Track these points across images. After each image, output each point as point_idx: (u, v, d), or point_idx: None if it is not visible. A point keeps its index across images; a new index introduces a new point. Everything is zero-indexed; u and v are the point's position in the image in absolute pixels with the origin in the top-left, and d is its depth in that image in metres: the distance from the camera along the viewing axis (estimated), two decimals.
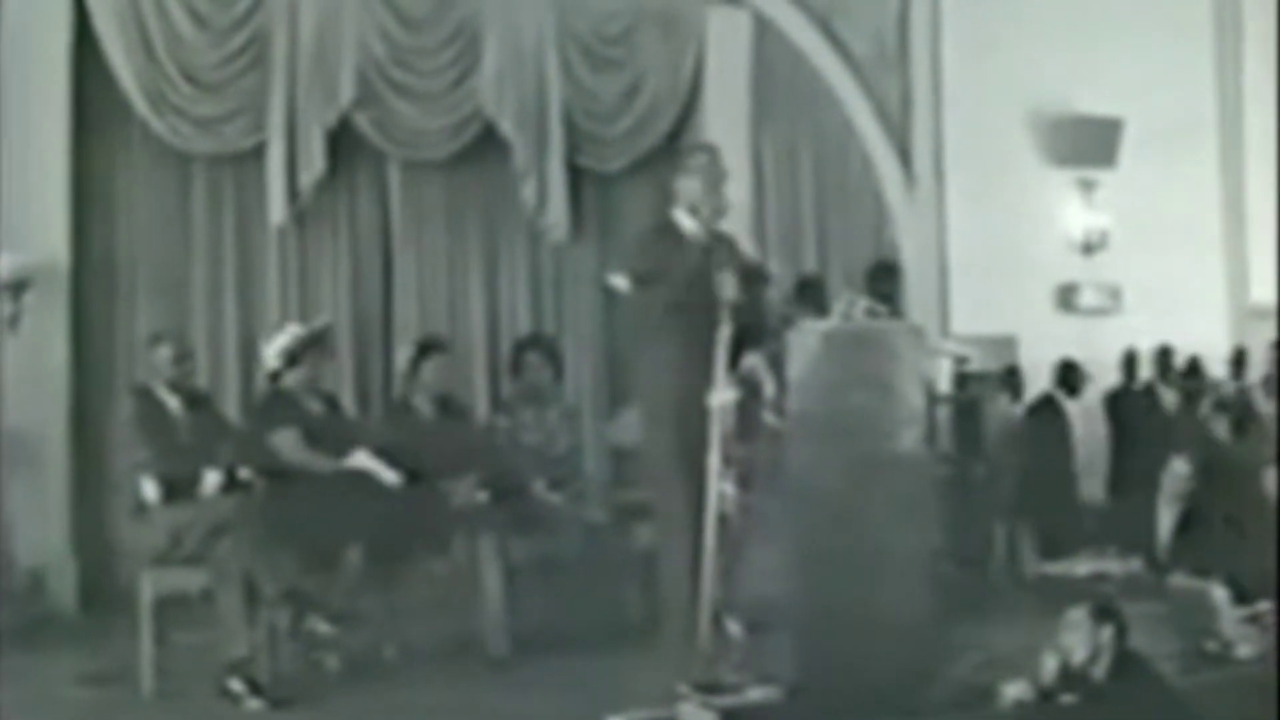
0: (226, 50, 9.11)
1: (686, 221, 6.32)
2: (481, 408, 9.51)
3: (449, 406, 7.88)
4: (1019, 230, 11.49)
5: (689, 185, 6.34)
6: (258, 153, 9.24)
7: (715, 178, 6.36)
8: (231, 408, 8.73)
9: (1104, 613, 5.38)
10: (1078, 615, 5.38)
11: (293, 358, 7.15)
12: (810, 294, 8.46)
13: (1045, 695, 5.46)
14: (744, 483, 5.99)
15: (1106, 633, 5.33)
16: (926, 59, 11.32)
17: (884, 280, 8.84)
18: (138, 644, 6.47)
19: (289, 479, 6.85)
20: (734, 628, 6.27)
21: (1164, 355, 11.56)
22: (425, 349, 7.84)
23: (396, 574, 7.07)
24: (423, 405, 7.72)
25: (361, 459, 7.06)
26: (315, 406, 7.34)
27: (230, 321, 9.31)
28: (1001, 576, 9.11)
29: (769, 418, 6.11)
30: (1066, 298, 11.89)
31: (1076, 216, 11.97)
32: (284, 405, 7.23)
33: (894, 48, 11.26)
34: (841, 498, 5.80)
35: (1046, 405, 10.80)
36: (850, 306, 6.10)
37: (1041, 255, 11.73)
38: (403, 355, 8.20)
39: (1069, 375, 10.93)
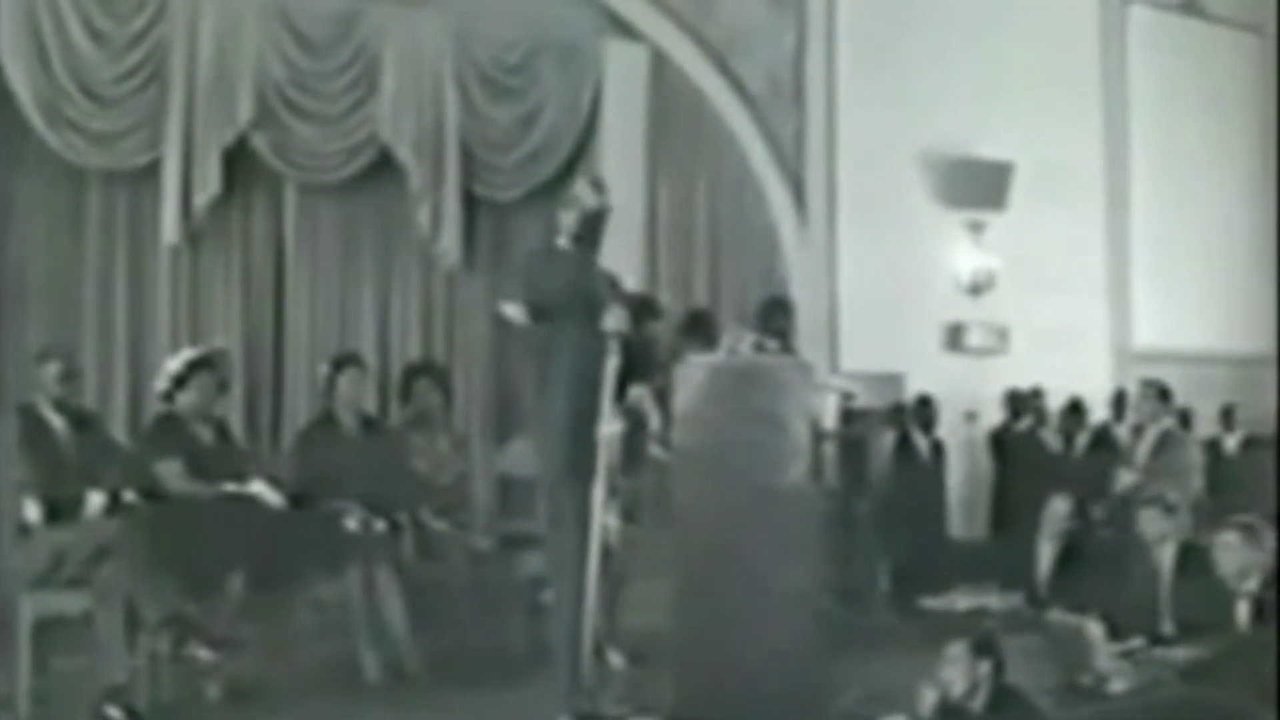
0: (124, 66, 9.05)
1: (570, 250, 6.30)
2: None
3: (370, 423, 7.90)
4: (909, 269, 11.64)
5: (570, 219, 6.26)
6: (153, 170, 9.18)
7: (599, 208, 6.30)
8: (119, 428, 8.66)
9: (982, 647, 5.48)
10: (957, 650, 5.48)
11: (180, 381, 7.09)
12: (699, 328, 8.51)
13: None
14: (628, 515, 6.05)
15: (985, 666, 5.43)
16: (822, 99, 11.45)
17: (777, 316, 8.91)
18: (15, 669, 6.35)
19: (174, 501, 6.79)
20: (616, 659, 6.34)
21: (1035, 396, 11.71)
22: (340, 363, 7.85)
23: (282, 599, 7.02)
24: (345, 419, 7.73)
25: (257, 488, 7.02)
26: (204, 434, 7.29)
27: (120, 340, 9.23)
28: (883, 611, 9.21)
29: (654, 450, 6.18)
30: (954, 337, 12.05)
31: (965, 257, 12.14)
32: (171, 432, 7.16)
33: (789, 87, 11.38)
34: (726, 531, 5.85)
35: (904, 442, 10.94)
36: (737, 341, 6.17)
37: (930, 295, 11.89)
38: (321, 370, 8.15)
39: (921, 410, 11.09)
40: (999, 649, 5.55)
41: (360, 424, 7.79)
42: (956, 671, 5.48)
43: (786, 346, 7.98)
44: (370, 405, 9.74)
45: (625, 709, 5.84)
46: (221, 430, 7.54)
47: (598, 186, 6.44)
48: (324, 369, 8.03)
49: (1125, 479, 9.42)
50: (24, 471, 6.54)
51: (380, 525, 7.19)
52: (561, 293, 6.10)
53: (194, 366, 7.17)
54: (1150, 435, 9.79)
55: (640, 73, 10.95)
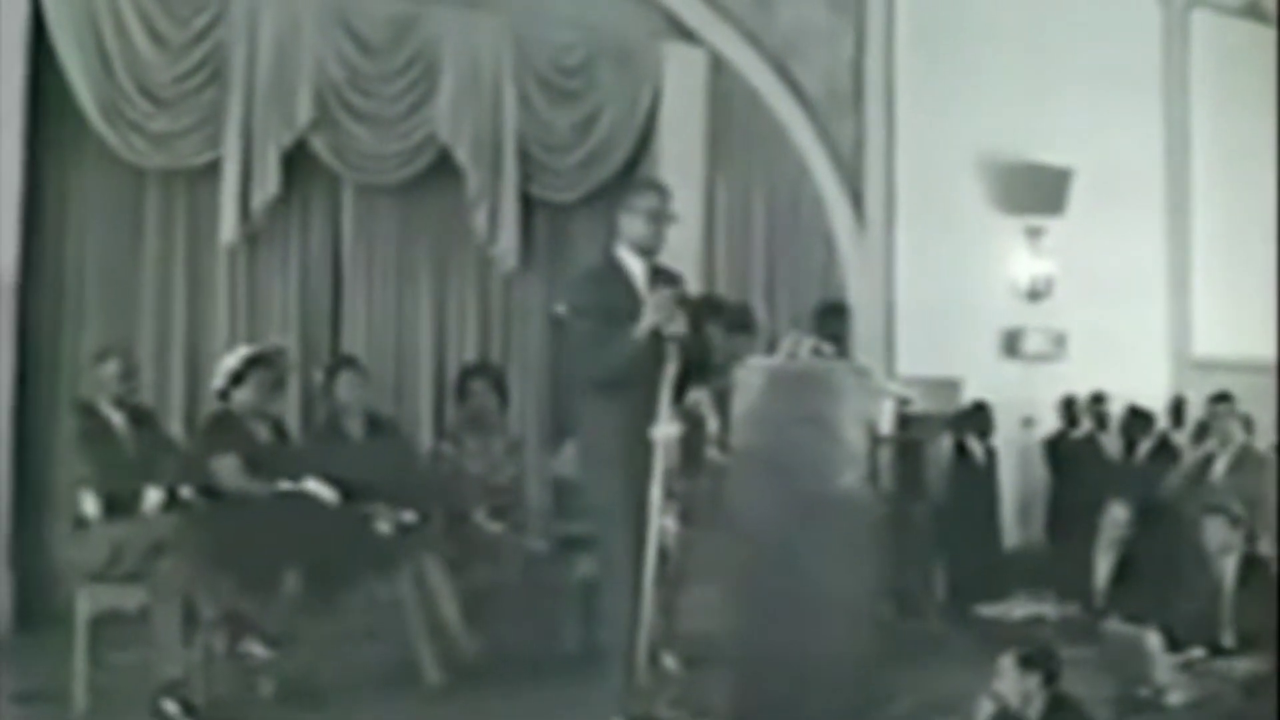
0: (183, 66, 9.06)
1: (630, 261, 6.21)
2: (426, 433, 9.53)
3: (378, 425, 7.91)
4: (966, 275, 11.60)
5: (632, 223, 6.18)
6: (212, 170, 9.20)
7: (661, 218, 6.21)
8: (177, 426, 8.70)
9: (1029, 661, 5.43)
10: (1007, 663, 5.45)
11: (237, 378, 7.15)
12: (738, 322, 8.45)
13: None
14: (685, 518, 6.01)
15: (1033, 680, 5.40)
16: (880, 103, 11.42)
17: (833, 320, 8.92)
18: (72, 662, 6.42)
19: (230, 499, 6.84)
20: (671, 662, 6.31)
21: (1097, 401, 11.67)
22: (335, 367, 7.89)
23: (337, 597, 7.04)
24: (351, 424, 7.74)
25: (311, 485, 7.05)
26: (261, 432, 7.34)
27: (178, 339, 9.25)
28: (938, 618, 9.16)
29: (712, 453, 6.15)
30: (1011, 343, 12.00)
31: (1023, 263, 12.09)
32: (227, 429, 7.22)
33: (848, 91, 11.35)
34: (782, 535, 5.83)
35: (960, 448, 10.88)
36: (796, 345, 6.14)
37: (988, 300, 11.84)
38: (317, 376, 8.19)
39: (975, 417, 11.02)
40: (1051, 661, 5.52)
41: (367, 426, 7.76)
42: (1007, 684, 5.46)
43: (842, 351, 7.98)
44: (424, 409, 9.93)
45: (680, 713, 5.82)
46: (278, 428, 7.58)
47: (662, 194, 6.39)
48: (318, 375, 8.06)
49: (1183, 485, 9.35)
50: (82, 467, 6.63)
51: (409, 518, 7.17)
52: (616, 301, 6.08)
53: (252, 363, 7.23)
54: (1227, 455, 9.70)
55: (698, 76, 10.94)
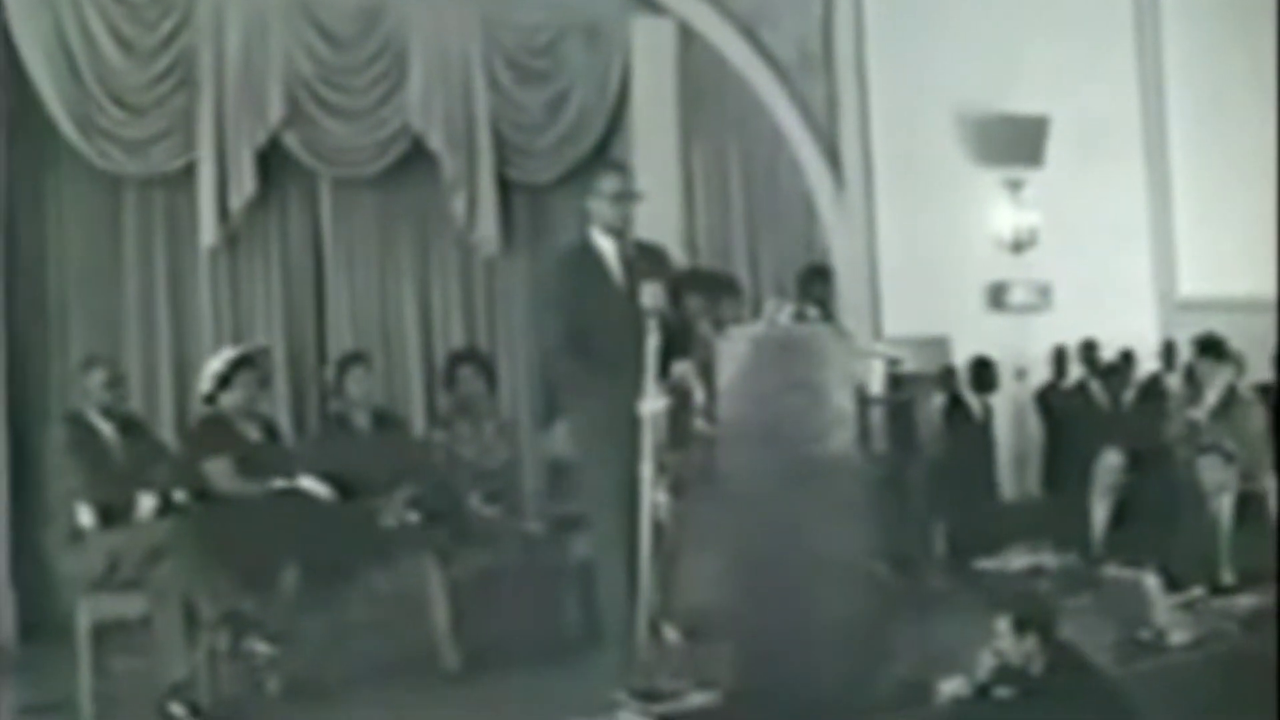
0: (153, 72, 9.10)
1: (603, 242, 6.30)
2: (418, 422, 9.55)
3: (384, 420, 7.92)
4: (948, 231, 11.57)
5: (599, 206, 6.29)
6: (188, 174, 9.24)
7: (624, 198, 6.30)
8: (167, 431, 8.71)
9: (1023, 624, 5.45)
10: (1003, 626, 5.47)
11: (223, 380, 7.14)
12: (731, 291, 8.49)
13: (982, 690, 5.53)
14: (677, 490, 6.04)
15: (1030, 641, 5.41)
16: (851, 63, 11.36)
17: (816, 283, 8.89)
18: (77, 673, 6.43)
19: (224, 501, 6.85)
20: (671, 635, 6.34)
21: (1088, 349, 11.70)
22: (346, 362, 7.89)
23: (337, 592, 7.05)
24: (357, 419, 7.75)
25: (305, 483, 7.07)
26: (251, 432, 7.34)
27: (164, 344, 9.29)
28: (937, 574, 9.17)
29: (700, 424, 6.17)
30: (997, 296, 11.98)
31: (1005, 215, 12.06)
32: (217, 431, 7.21)
33: (819, 53, 11.29)
34: (774, 502, 5.82)
35: (956, 405, 10.90)
36: (777, 311, 6.13)
37: (971, 255, 11.82)
38: (327, 372, 8.21)
39: (981, 373, 11.04)
40: (1045, 617, 5.54)
41: (372, 421, 7.77)
42: (1006, 644, 5.48)
43: (827, 314, 7.98)
44: (415, 398, 9.95)
45: (683, 684, 5.83)
46: (269, 428, 7.59)
47: (624, 176, 6.44)
48: (329, 371, 8.07)
49: (1175, 428, 9.37)
50: (74, 478, 6.61)
51: (414, 517, 7.18)
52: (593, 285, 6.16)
53: (236, 365, 7.22)
54: (1211, 395, 9.71)
55: (668, 48, 10.95)
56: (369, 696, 6.64)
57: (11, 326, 8.64)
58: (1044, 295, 12.08)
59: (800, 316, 6.21)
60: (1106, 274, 12.02)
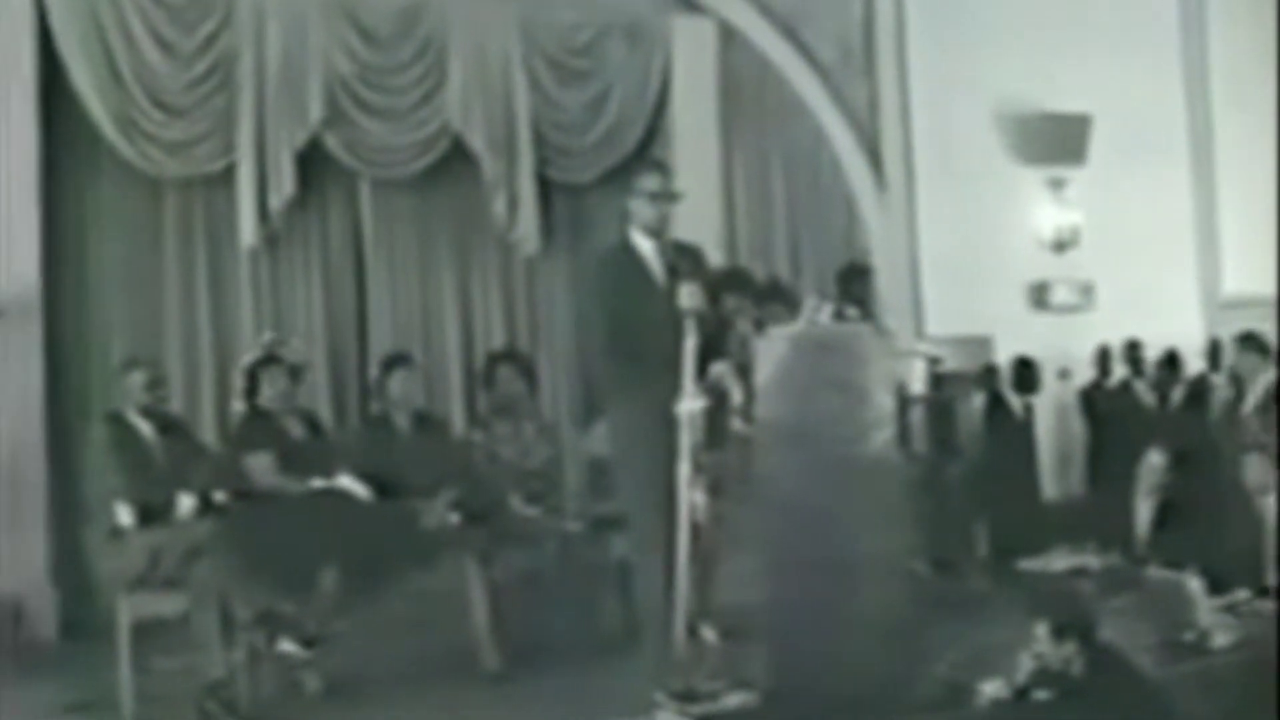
0: (193, 74, 9.16)
1: (642, 242, 6.27)
2: (457, 422, 9.55)
3: (425, 422, 7.92)
4: (990, 230, 11.50)
5: (638, 206, 6.25)
6: (228, 175, 9.28)
7: (663, 199, 6.27)
8: (208, 431, 8.78)
9: (1061, 631, 5.41)
10: (1042, 631, 5.42)
11: (251, 378, 7.19)
12: (777, 297, 8.49)
13: (1021, 693, 5.49)
14: (714, 490, 6.00)
15: (1069, 648, 5.37)
16: (893, 62, 11.34)
17: (856, 282, 8.86)
18: (117, 670, 6.47)
19: (264, 500, 6.87)
20: (709, 635, 6.31)
21: (1133, 349, 11.61)
22: (390, 364, 7.89)
23: (376, 592, 7.05)
24: (399, 420, 7.76)
25: (344, 482, 7.08)
26: (294, 428, 7.37)
27: (205, 344, 9.35)
28: (978, 575, 9.12)
29: (737, 425, 6.14)
30: (1039, 296, 11.90)
31: (1047, 214, 11.99)
32: (259, 427, 7.25)
33: (860, 52, 11.27)
34: (812, 502, 5.79)
35: (997, 405, 10.83)
36: (816, 311, 6.10)
37: (1013, 254, 11.75)
38: (371, 373, 8.24)
39: (1022, 374, 10.98)
40: (1085, 623, 5.49)
41: (413, 422, 7.78)
42: (1044, 648, 5.44)
43: (867, 313, 7.95)
44: (455, 398, 9.96)
45: (720, 684, 5.81)
46: (311, 423, 7.62)
47: (663, 176, 6.42)
48: (373, 372, 8.09)
49: (1219, 427, 9.27)
50: (114, 477, 6.67)
51: (455, 519, 7.18)
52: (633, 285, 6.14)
53: (261, 363, 7.26)
54: (1256, 391, 9.60)
55: (709, 47, 10.95)
56: (408, 696, 6.66)
57: (54, 327, 8.73)
58: (1086, 295, 12.00)
59: (839, 316, 6.19)
60: (1150, 273, 11.92)
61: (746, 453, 6.09)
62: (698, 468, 5.92)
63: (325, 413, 9.19)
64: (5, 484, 8.33)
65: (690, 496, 5.91)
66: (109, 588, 6.78)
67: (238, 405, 7.47)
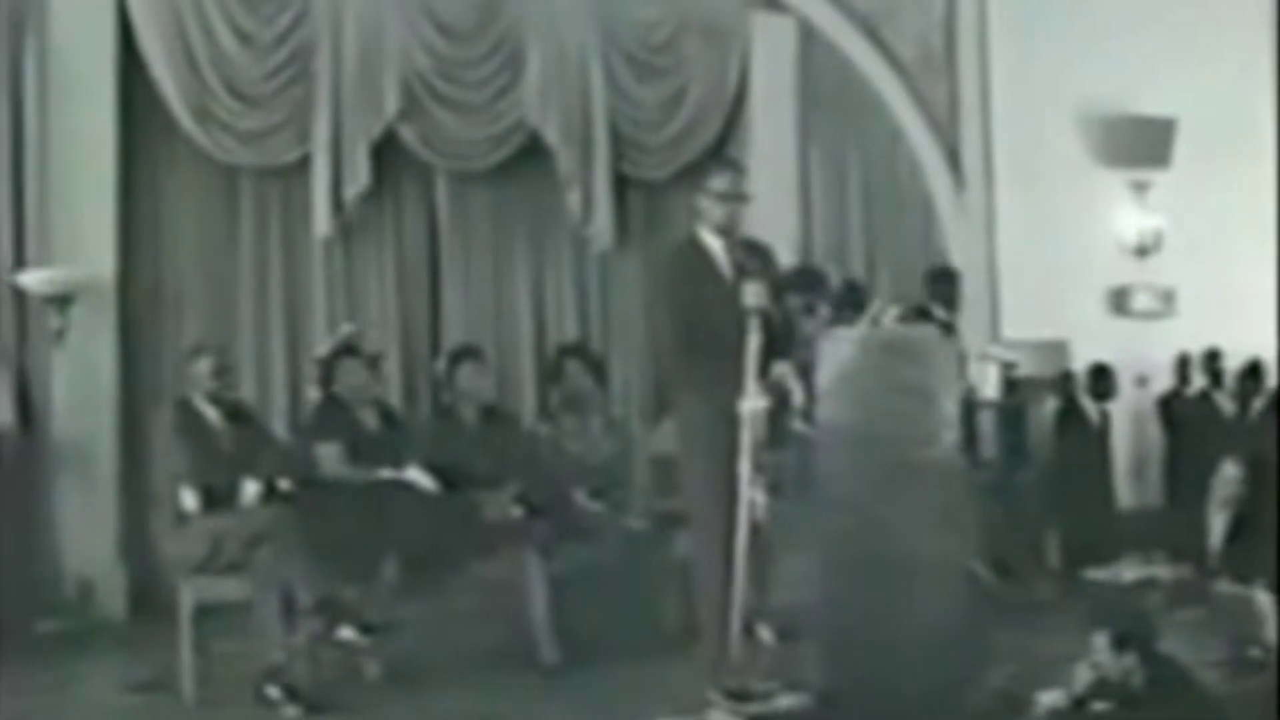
0: (270, 65, 9.24)
1: (711, 240, 6.26)
2: (528, 416, 9.58)
3: (493, 414, 7.96)
4: (1070, 233, 11.34)
5: (708, 205, 6.23)
6: (303, 166, 9.37)
7: (734, 199, 6.25)
8: (279, 419, 8.87)
9: (1122, 641, 5.33)
10: (1101, 641, 5.35)
11: (327, 366, 7.26)
12: (853, 299, 8.45)
13: (1079, 703, 5.42)
14: (774, 490, 5.98)
15: (1129, 658, 5.29)
16: (974, 62, 11.22)
17: (943, 285, 8.82)
18: (179, 651, 6.56)
19: (328, 488, 6.93)
20: (765, 634, 6.30)
21: (1212, 359, 11.44)
22: (458, 356, 7.94)
23: (437, 582, 7.10)
24: (466, 413, 7.79)
25: (412, 474, 7.13)
26: (369, 418, 7.45)
27: (277, 334, 9.45)
28: (1043, 583, 9.02)
29: (798, 425, 6.12)
30: (1119, 301, 11.74)
31: (1129, 218, 11.82)
32: (332, 416, 7.36)
33: (941, 52, 11.16)
34: (872, 505, 5.75)
35: (1072, 411, 10.69)
36: (880, 313, 6.07)
37: (1093, 258, 11.59)
38: (439, 365, 8.28)
39: (1098, 380, 10.84)
40: (1144, 635, 5.40)
41: (481, 415, 7.80)
42: (1104, 659, 5.37)
43: (951, 316, 7.92)
44: (527, 392, 9.99)
45: (774, 685, 5.79)
46: (387, 415, 7.69)
47: (736, 176, 6.40)
48: (440, 363, 8.13)
49: None
50: (180, 462, 6.73)
51: (518, 512, 7.19)
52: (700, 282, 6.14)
53: (338, 353, 7.32)
54: None
55: (788, 45, 10.90)
56: (465, 684, 6.72)
57: (128, 313, 8.87)
58: (1167, 301, 11.82)
59: (925, 315, 6.15)
60: (1233, 279, 11.69)
61: (806, 453, 6.07)
62: (758, 467, 5.91)
63: (396, 404, 9.25)
64: (78, 466, 8.49)
65: (750, 495, 5.90)
66: (174, 570, 6.86)
67: (314, 394, 7.54)
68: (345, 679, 6.76)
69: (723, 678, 5.82)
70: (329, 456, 7.17)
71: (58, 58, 8.60)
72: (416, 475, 7.17)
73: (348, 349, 7.44)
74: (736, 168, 6.63)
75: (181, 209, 9.27)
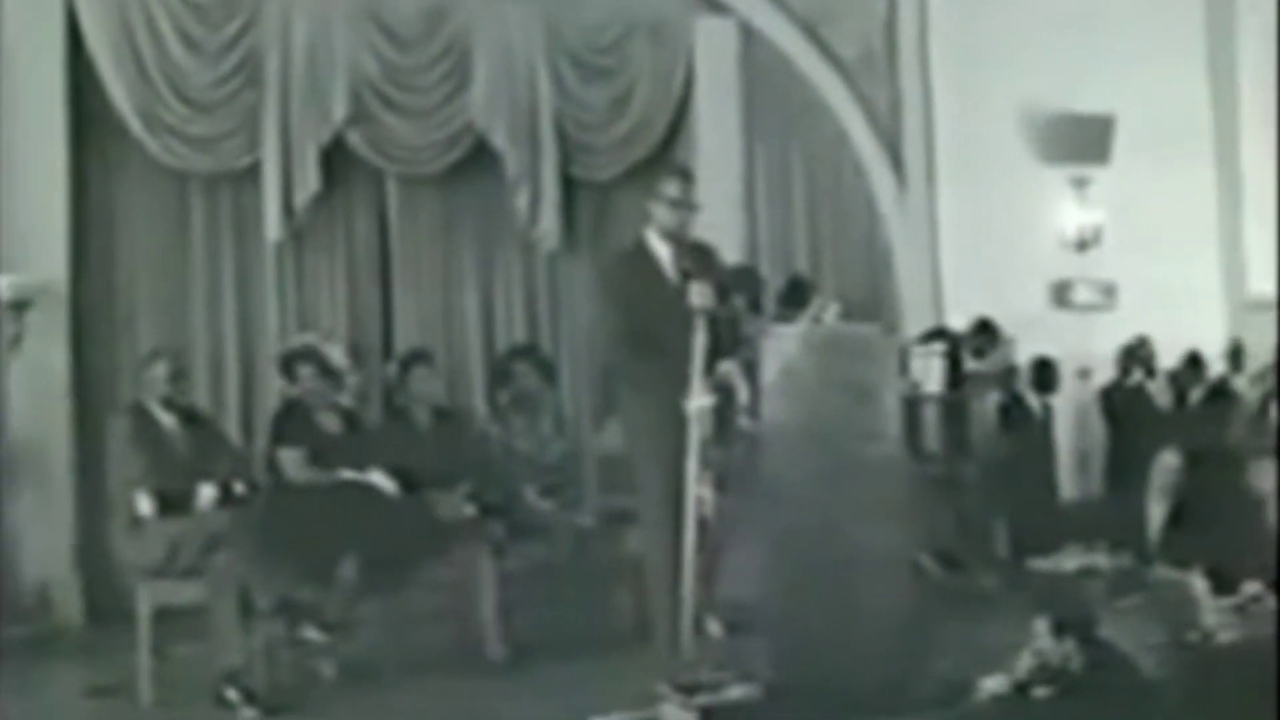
0: (219, 71, 9.27)
1: (659, 244, 6.40)
2: (479, 417, 9.64)
3: (445, 416, 8.05)
4: (1012, 229, 11.50)
5: (659, 211, 6.40)
6: (254, 171, 9.40)
7: (683, 206, 6.40)
8: (233, 423, 8.91)
9: (1061, 628, 5.48)
10: (1041, 627, 5.50)
11: (286, 370, 7.34)
12: (799, 295, 8.60)
13: (1021, 689, 5.56)
14: (721, 486, 6.10)
15: (1068, 644, 5.44)
16: (915, 62, 11.38)
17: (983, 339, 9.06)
18: (137, 656, 6.60)
19: (283, 491, 7.00)
20: (714, 628, 6.43)
21: (1141, 346, 11.62)
22: (409, 360, 8.02)
23: (392, 582, 7.17)
24: (419, 415, 7.88)
25: (375, 477, 7.21)
26: (330, 423, 7.52)
27: (230, 338, 9.47)
28: (986, 573, 9.17)
29: (743, 422, 6.23)
30: (1061, 295, 11.93)
31: (1070, 214, 12.00)
32: (292, 420, 7.43)
33: (882, 52, 11.31)
34: (817, 500, 5.86)
35: (1015, 405, 10.87)
36: (821, 310, 6.20)
37: (1035, 253, 11.76)
38: (390, 368, 8.36)
39: (1041, 373, 11.03)
40: (1083, 621, 5.56)
41: (433, 417, 7.89)
42: (1044, 644, 5.52)
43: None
44: (478, 394, 10.06)
45: (724, 677, 5.88)
46: (349, 419, 7.76)
47: (685, 183, 6.52)
48: (392, 367, 8.21)
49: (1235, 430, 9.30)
50: (136, 467, 6.78)
51: (470, 511, 7.29)
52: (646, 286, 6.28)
53: (291, 358, 7.40)
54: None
55: (731, 47, 10.99)
56: (419, 684, 6.76)
57: (81, 320, 8.89)
58: (1109, 294, 12.01)
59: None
60: (1173, 273, 11.86)
61: (752, 450, 6.18)
62: (705, 464, 6.02)
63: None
64: (32, 473, 8.51)
65: (697, 492, 6.02)
66: (130, 575, 6.91)
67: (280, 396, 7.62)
68: (301, 680, 6.81)
69: (674, 671, 5.92)
70: (290, 461, 7.24)
71: (6, 64, 8.61)
72: (379, 478, 7.25)
73: (303, 353, 7.52)
74: (686, 175, 6.75)
75: (133, 215, 9.28)
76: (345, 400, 8.17)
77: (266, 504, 6.85)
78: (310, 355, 7.60)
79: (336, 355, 8.10)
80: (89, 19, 8.86)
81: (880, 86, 11.29)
